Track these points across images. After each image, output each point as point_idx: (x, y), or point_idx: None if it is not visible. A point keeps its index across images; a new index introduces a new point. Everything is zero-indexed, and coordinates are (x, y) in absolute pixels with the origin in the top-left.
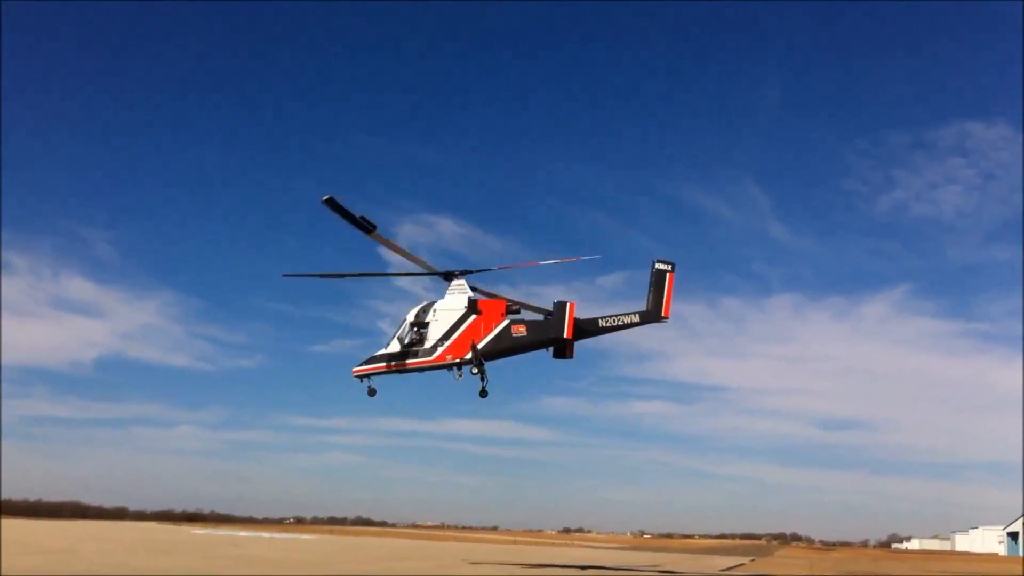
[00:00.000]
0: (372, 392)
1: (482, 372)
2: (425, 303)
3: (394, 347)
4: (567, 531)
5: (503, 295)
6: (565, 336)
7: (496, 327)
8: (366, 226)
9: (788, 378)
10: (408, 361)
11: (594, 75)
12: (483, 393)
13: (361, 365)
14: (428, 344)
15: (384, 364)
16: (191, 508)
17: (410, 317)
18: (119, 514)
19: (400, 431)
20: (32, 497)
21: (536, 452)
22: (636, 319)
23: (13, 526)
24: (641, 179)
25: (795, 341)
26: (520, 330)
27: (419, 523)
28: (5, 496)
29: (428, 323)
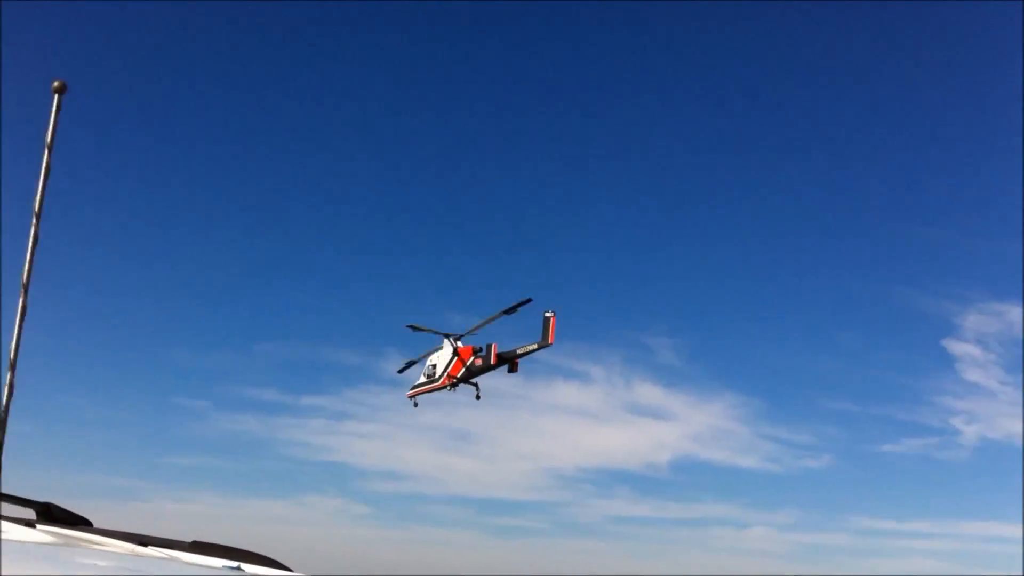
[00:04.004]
0: (416, 404)
1: (476, 387)
2: (435, 351)
3: (422, 379)
4: None
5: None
6: (492, 363)
7: (468, 361)
8: (421, 329)
9: None
10: (429, 385)
11: None
12: (477, 397)
13: (410, 390)
14: (436, 375)
15: (420, 388)
16: None
17: (428, 360)
18: None
19: (990, 535)
20: None
21: None
22: (535, 347)
23: None
24: None
25: None
26: (478, 362)
27: None
28: None
29: (436, 363)
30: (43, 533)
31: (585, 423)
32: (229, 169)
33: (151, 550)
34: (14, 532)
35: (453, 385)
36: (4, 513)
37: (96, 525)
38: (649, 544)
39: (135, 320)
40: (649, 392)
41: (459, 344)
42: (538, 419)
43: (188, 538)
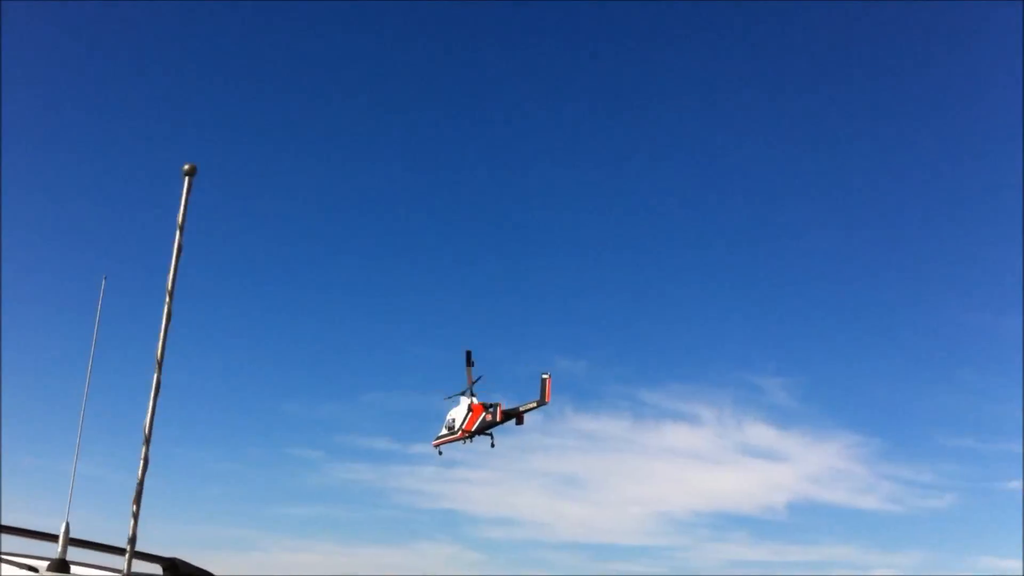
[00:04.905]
0: (440, 453)
1: (491, 436)
2: (453, 407)
3: (444, 431)
4: None
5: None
6: (498, 420)
7: (479, 417)
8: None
9: None
10: (449, 437)
11: None
12: (492, 445)
13: (434, 440)
14: (455, 428)
15: (443, 439)
16: None
17: (449, 415)
18: None
19: None
20: None
21: None
22: (534, 405)
23: None
24: None
25: None
26: (488, 417)
27: None
28: None
29: (455, 417)
30: None
31: (697, 466)
32: (334, 228)
33: None
34: None
35: (470, 436)
36: (134, 570)
37: None
38: None
39: (250, 376)
40: (762, 433)
41: (473, 402)
42: (649, 463)
43: None
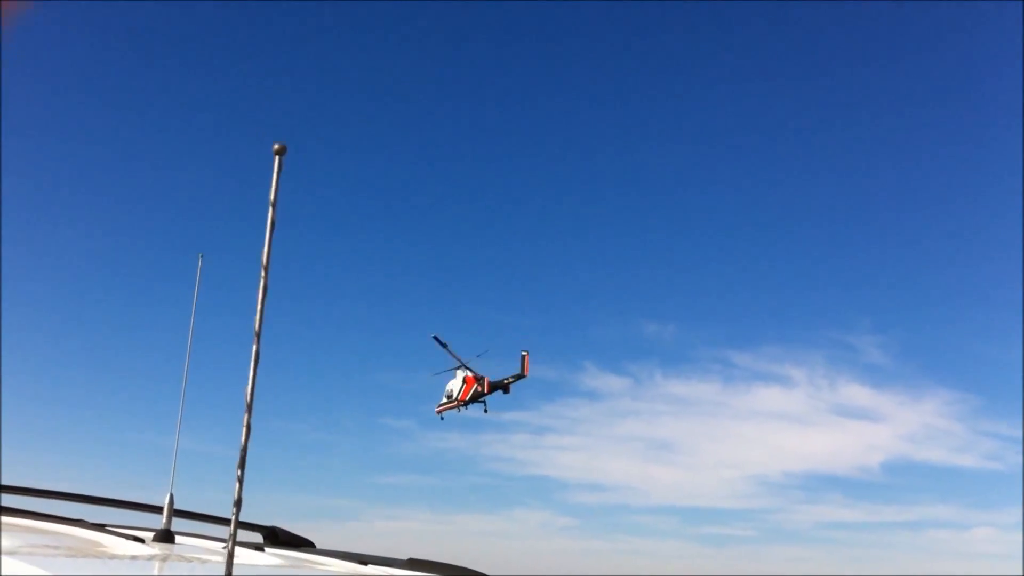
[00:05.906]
0: (442, 418)
1: (484, 403)
2: (452, 379)
3: (444, 400)
4: None
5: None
6: (486, 391)
7: (472, 387)
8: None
9: None
10: (448, 405)
11: None
12: (485, 411)
13: (437, 407)
14: (453, 397)
15: (444, 407)
16: None
17: (448, 385)
18: None
19: None
20: None
21: None
22: (513, 379)
23: None
24: None
25: None
26: (480, 388)
27: None
28: None
29: (453, 388)
30: (271, 556)
31: (789, 427)
32: (425, 200)
33: (371, 568)
34: (245, 556)
35: (464, 405)
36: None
37: (318, 546)
38: (865, 549)
39: (344, 350)
40: (856, 393)
41: (468, 375)
42: (740, 426)
43: (403, 555)
